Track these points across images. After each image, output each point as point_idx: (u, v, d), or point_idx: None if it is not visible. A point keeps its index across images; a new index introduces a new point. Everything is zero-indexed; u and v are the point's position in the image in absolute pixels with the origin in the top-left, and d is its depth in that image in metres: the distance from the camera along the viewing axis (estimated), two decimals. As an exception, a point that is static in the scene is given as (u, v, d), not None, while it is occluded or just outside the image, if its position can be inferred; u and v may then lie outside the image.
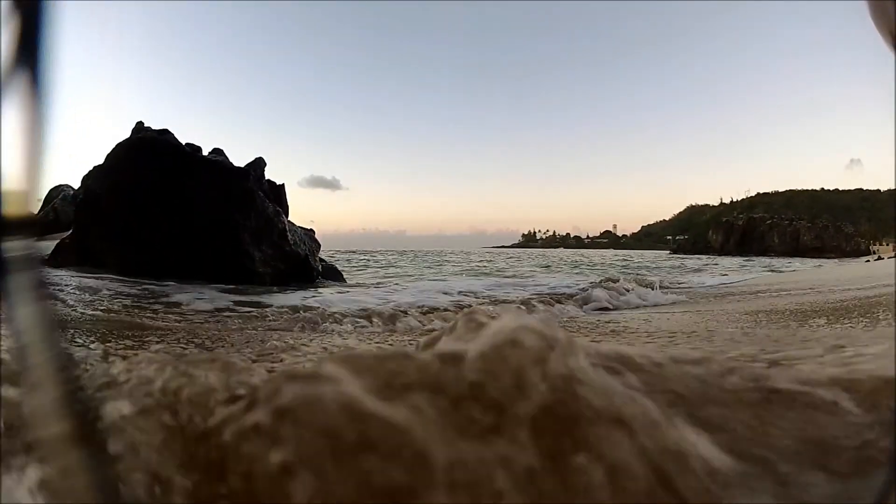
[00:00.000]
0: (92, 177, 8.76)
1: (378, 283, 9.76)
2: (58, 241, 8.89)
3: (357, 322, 4.33)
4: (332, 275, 9.72)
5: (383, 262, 24.00)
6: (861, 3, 0.58)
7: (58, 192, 27.85)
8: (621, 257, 42.06)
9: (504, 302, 6.58)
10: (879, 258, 23.62)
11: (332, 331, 3.87)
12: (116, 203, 8.03)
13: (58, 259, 8.41)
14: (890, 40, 0.61)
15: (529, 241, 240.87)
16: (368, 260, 26.73)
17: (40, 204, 27.99)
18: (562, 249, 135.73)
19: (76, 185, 19.15)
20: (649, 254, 72.04)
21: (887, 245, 75.50)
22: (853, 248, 78.20)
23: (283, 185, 9.63)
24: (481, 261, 28.54)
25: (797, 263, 27.92)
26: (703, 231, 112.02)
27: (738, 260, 40.68)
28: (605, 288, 6.88)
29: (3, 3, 0.43)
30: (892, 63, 0.59)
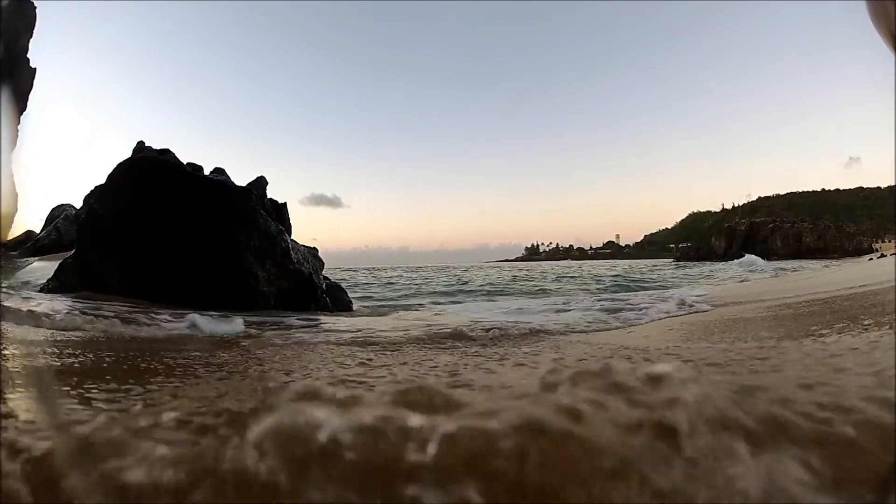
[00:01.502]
0: (94, 196, 8.80)
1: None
2: (61, 262, 8.91)
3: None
4: (336, 293, 9.62)
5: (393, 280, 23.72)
6: (860, 4, 0.58)
7: (60, 211, 28.14)
8: (628, 268, 41.65)
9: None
10: (882, 256, 23.32)
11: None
12: (118, 223, 8.05)
13: (61, 279, 8.43)
14: (889, 40, 0.61)
15: (533, 254, 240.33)
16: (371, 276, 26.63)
17: (42, 223, 28.27)
18: (569, 261, 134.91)
19: (78, 204, 19.31)
20: (655, 262, 71.73)
21: (889, 242, 75.23)
22: (856, 247, 77.92)
23: (286, 203, 9.62)
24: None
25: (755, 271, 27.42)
26: (705, 237, 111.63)
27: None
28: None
29: None
30: (892, 62, 0.59)
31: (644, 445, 0.67)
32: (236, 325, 4.90)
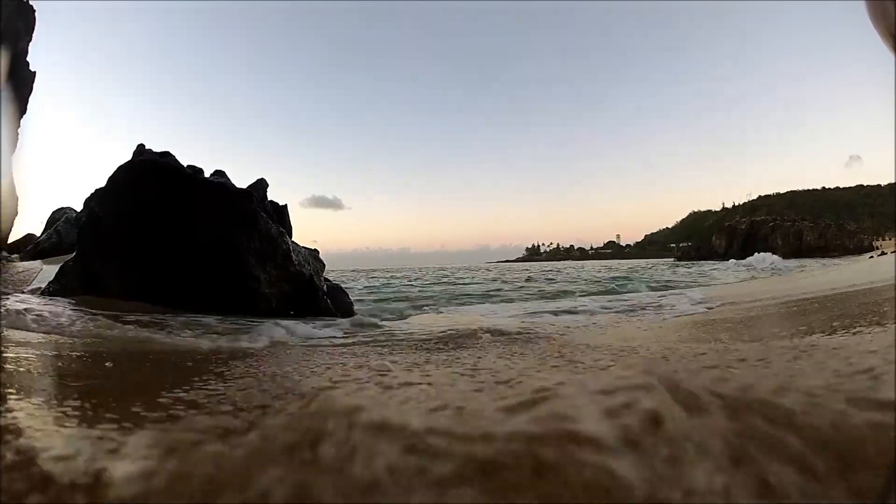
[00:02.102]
0: (94, 199, 8.79)
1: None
2: (61, 265, 8.92)
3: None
4: (337, 295, 9.58)
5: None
6: (860, 4, 0.58)
7: (60, 214, 28.25)
8: (629, 268, 41.59)
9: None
10: (883, 253, 23.19)
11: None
12: (119, 226, 8.05)
13: (62, 283, 8.44)
14: (889, 40, 0.61)
15: (533, 254, 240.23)
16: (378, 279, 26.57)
17: (43, 226, 28.39)
18: (570, 261, 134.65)
19: (79, 207, 19.36)
20: (656, 261, 71.65)
21: (890, 240, 75.21)
22: (856, 246, 77.82)
23: (286, 205, 9.59)
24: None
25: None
26: (706, 236, 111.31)
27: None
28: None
29: None
30: (892, 62, 0.59)
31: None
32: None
